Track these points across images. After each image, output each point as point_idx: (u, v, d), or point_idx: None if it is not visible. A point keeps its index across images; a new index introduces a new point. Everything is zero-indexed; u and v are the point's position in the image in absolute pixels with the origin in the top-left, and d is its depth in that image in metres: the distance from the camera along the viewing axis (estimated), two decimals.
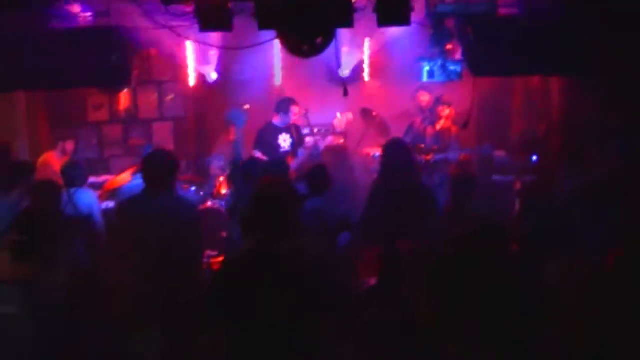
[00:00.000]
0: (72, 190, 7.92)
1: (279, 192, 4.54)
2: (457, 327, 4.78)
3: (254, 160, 7.50)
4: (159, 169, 6.34)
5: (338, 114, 10.58)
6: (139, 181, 6.70)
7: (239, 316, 4.27)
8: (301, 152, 9.30)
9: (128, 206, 6.60)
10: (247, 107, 10.72)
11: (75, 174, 8.12)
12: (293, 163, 9.99)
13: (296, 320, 4.27)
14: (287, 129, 10.42)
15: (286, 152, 10.26)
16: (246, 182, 7.29)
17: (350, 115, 10.57)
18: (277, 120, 10.43)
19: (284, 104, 10.43)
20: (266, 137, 10.31)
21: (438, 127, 10.36)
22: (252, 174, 7.42)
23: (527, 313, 4.78)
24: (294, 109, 10.37)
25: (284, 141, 10.34)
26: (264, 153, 10.03)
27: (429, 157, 10.13)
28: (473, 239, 5.10)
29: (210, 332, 4.49)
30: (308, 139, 10.65)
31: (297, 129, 10.62)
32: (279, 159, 7.89)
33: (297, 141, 10.47)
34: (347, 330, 4.99)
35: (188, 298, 6.04)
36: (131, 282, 6.04)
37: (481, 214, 5.62)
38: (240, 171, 7.66)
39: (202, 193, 10.72)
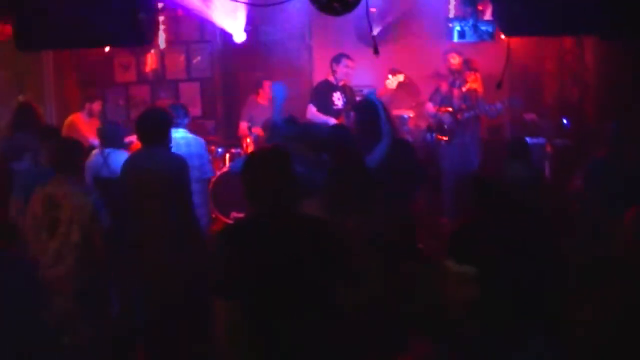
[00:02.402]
0: (107, 151, 7.88)
1: (278, 158, 4.35)
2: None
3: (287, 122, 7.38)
4: (153, 125, 6.56)
5: (390, 75, 10.37)
6: None
7: (243, 285, 4.12)
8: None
9: (129, 161, 6.73)
10: None
11: (113, 134, 8.05)
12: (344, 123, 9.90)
13: (305, 290, 4.12)
14: (342, 88, 10.29)
15: (339, 111, 10.15)
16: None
17: (401, 77, 10.35)
18: (331, 78, 10.32)
19: (337, 57, 10.32)
20: (321, 93, 10.25)
21: (464, 89, 10.21)
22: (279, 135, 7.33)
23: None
24: (347, 62, 10.23)
25: (338, 99, 10.21)
26: (318, 109, 10.09)
27: (459, 117, 10.00)
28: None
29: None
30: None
31: (351, 90, 10.49)
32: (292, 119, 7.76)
33: (349, 101, 10.33)
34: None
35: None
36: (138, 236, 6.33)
37: (517, 174, 5.48)
38: (277, 133, 7.57)
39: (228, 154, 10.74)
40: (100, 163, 7.79)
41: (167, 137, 6.62)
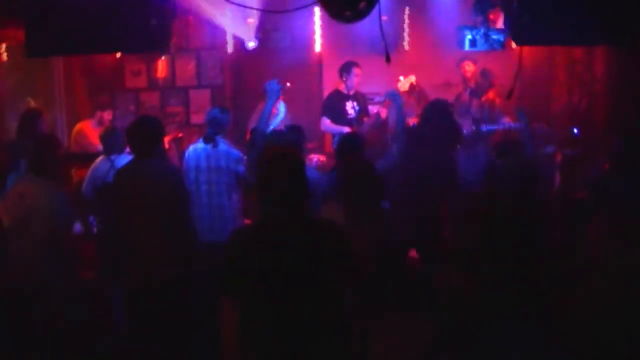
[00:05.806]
0: (114, 157, 7.93)
1: (287, 161, 4.33)
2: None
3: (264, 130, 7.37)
4: (146, 135, 6.33)
5: (401, 77, 10.29)
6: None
7: (251, 288, 4.12)
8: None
9: (122, 172, 6.57)
10: (288, 84, 10.60)
11: (113, 141, 8.10)
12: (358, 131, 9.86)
13: (314, 295, 4.11)
14: (354, 96, 10.29)
15: (352, 120, 10.12)
16: (250, 150, 7.22)
17: (413, 78, 10.24)
18: (342, 87, 10.32)
19: (345, 66, 10.30)
20: (333, 104, 10.24)
21: (483, 99, 10.22)
22: (255, 142, 7.31)
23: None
24: (356, 71, 10.22)
25: (351, 108, 10.21)
26: (332, 120, 10.11)
27: (479, 127, 10.00)
28: None
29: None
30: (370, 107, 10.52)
31: (363, 97, 10.48)
32: (294, 127, 7.81)
33: (363, 109, 10.33)
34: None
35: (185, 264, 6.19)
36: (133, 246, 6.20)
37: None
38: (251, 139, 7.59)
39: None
40: (107, 169, 7.84)
41: (158, 148, 6.43)
